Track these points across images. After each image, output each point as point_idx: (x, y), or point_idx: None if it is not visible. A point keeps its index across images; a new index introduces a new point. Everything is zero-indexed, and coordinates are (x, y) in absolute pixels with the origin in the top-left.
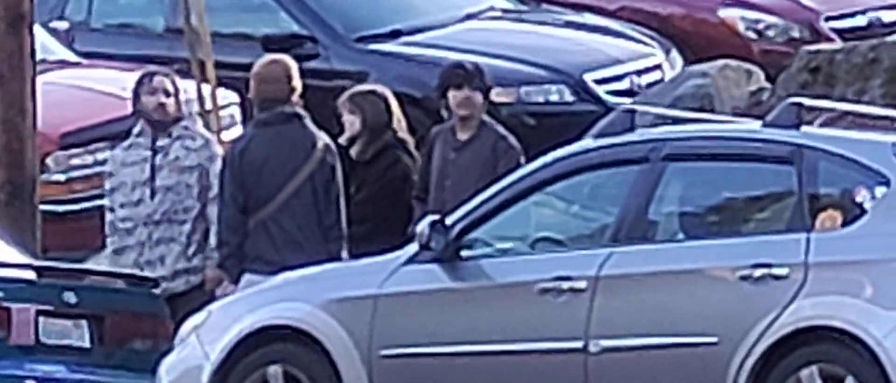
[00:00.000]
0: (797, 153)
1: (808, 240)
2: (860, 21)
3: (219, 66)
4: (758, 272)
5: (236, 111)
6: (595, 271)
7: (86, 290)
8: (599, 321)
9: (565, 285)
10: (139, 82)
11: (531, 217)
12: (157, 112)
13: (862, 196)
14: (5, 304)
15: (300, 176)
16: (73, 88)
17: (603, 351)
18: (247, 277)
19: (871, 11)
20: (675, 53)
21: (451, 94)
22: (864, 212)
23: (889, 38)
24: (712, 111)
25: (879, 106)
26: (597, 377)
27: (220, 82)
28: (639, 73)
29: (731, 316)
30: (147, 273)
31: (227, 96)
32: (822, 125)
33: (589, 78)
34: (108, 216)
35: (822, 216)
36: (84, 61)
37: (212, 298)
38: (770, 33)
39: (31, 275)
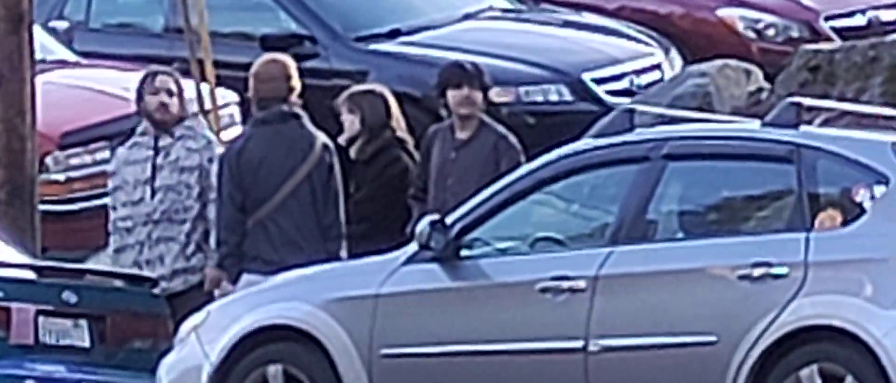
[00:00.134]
0: (797, 152)
1: (807, 240)
2: (859, 20)
3: (218, 65)
4: (757, 271)
5: (236, 111)
6: (595, 271)
7: (86, 290)
8: (599, 320)
9: (565, 284)
10: (142, 82)
11: (531, 216)
12: (160, 112)
13: (861, 195)
14: (5, 304)
15: (298, 175)
16: (73, 88)
17: (602, 351)
18: (245, 277)
19: (871, 10)
20: (674, 53)
21: (450, 93)
22: (863, 211)
23: (888, 37)
24: (712, 111)
25: (879, 105)
26: (596, 376)
27: (220, 82)
28: (638, 72)
29: (730, 315)
30: (146, 272)
31: (226, 96)
32: (822, 124)
33: (588, 77)
34: (111, 214)
35: (821, 215)
36: (83, 61)
37: (211, 298)
38: (769, 33)
39: (30, 274)
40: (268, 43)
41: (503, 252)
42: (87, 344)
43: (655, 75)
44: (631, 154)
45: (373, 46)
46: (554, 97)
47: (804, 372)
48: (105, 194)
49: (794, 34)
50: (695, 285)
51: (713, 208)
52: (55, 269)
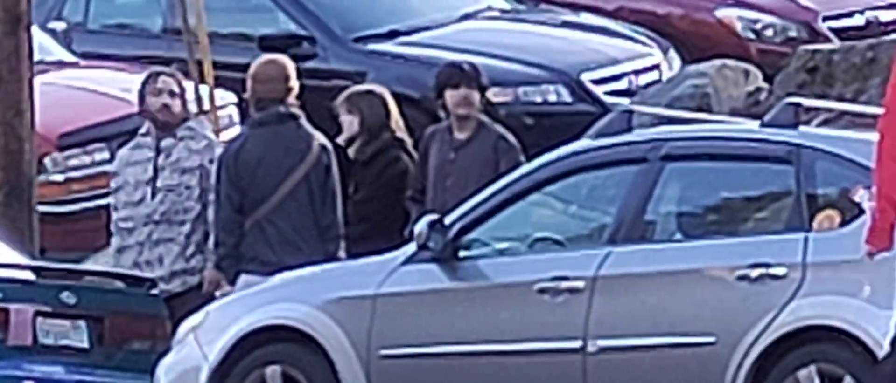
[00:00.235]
0: (795, 153)
1: (806, 240)
2: (858, 20)
3: (217, 66)
4: (756, 272)
5: (234, 111)
6: (593, 271)
7: (84, 291)
8: (597, 321)
9: (563, 285)
10: (145, 83)
11: (529, 217)
12: (162, 113)
13: (860, 196)
14: (3, 305)
15: (295, 176)
16: (71, 89)
17: (601, 351)
18: (243, 278)
19: (869, 11)
20: (672, 53)
21: (448, 93)
22: (861, 211)
23: (887, 38)
24: (710, 111)
25: (877, 105)
26: (595, 377)
27: (218, 83)
28: (636, 73)
29: (729, 315)
30: (146, 273)
31: (224, 97)
32: (820, 125)
33: (587, 78)
34: (113, 215)
35: (820, 216)
36: (82, 62)
37: (210, 300)
38: (768, 33)
39: (29, 275)
40: (266, 44)
41: (502, 252)
42: (85, 345)
43: (654, 76)
44: (629, 155)
45: (371, 47)
46: (552, 98)
47: (802, 373)
48: (103, 195)
49: (793, 35)
50: (693, 286)
51: (712, 209)
52: (54, 270)
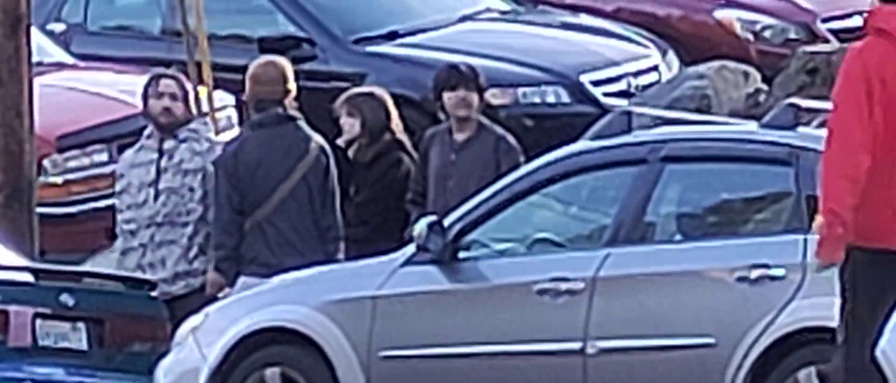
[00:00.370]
0: (794, 154)
1: (805, 241)
2: (857, 22)
3: (216, 68)
4: (755, 273)
5: (233, 113)
6: (593, 272)
7: (83, 293)
8: (597, 322)
9: (563, 286)
10: (147, 85)
11: (529, 218)
12: (163, 115)
13: None
14: (3, 307)
15: (294, 177)
16: (71, 91)
17: (601, 353)
18: (242, 280)
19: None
20: (671, 55)
21: (446, 95)
22: None
23: None
24: (709, 112)
25: None
26: (595, 378)
27: (217, 84)
28: (636, 74)
29: (728, 317)
30: (149, 275)
31: (223, 98)
32: (819, 126)
33: (586, 79)
34: (118, 217)
35: (818, 217)
36: (81, 63)
37: (213, 301)
38: (767, 34)
39: (28, 277)
40: (266, 45)
41: (501, 253)
42: (84, 347)
43: (653, 77)
44: (629, 156)
45: (371, 48)
46: (552, 99)
47: (802, 374)
48: (103, 197)
49: (792, 36)
50: (693, 287)
51: (711, 210)
52: (53, 272)
